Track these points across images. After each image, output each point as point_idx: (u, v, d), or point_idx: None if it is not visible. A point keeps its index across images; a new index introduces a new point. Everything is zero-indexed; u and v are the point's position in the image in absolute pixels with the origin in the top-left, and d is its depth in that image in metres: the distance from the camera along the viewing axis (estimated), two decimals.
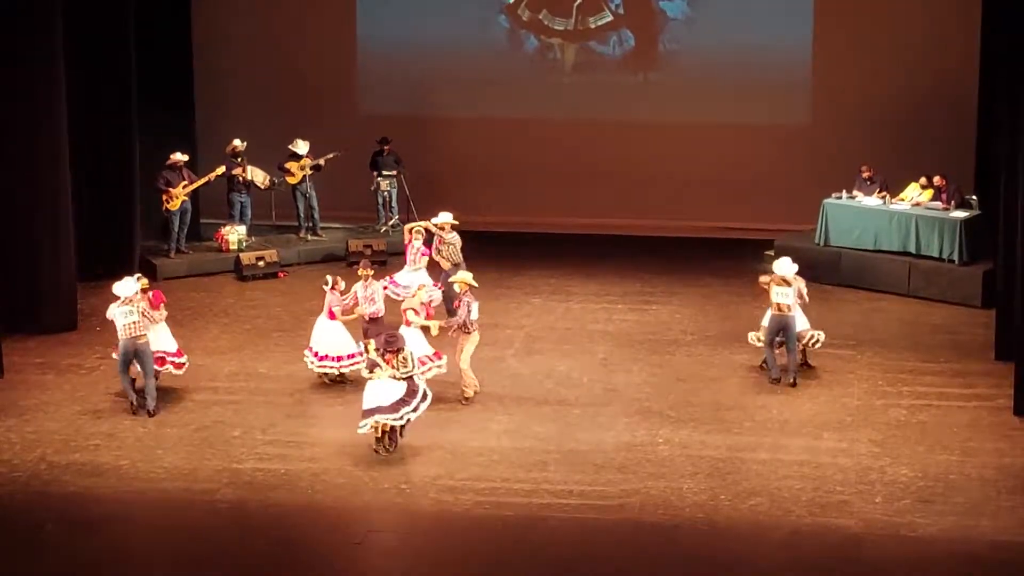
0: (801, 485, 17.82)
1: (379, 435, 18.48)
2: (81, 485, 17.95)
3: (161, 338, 20.18)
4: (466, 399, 20.19)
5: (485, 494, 17.63)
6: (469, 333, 20.17)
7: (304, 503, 17.52)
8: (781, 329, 20.72)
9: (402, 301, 21.37)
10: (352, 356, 20.61)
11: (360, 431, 18.45)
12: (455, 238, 23.13)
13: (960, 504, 17.35)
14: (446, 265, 22.91)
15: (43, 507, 17.45)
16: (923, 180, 25.36)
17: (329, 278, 20.99)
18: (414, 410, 18.51)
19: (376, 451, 18.49)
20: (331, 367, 20.66)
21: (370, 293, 20.84)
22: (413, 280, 22.71)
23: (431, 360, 20.31)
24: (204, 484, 17.95)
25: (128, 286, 19.73)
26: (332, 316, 20.68)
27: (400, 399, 18.41)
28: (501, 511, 17.25)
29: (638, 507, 17.36)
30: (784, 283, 20.68)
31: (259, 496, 17.68)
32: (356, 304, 20.77)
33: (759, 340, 21.06)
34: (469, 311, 20.06)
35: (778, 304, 20.62)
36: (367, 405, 18.42)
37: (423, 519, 17.28)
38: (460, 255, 23.08)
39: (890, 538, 16.59)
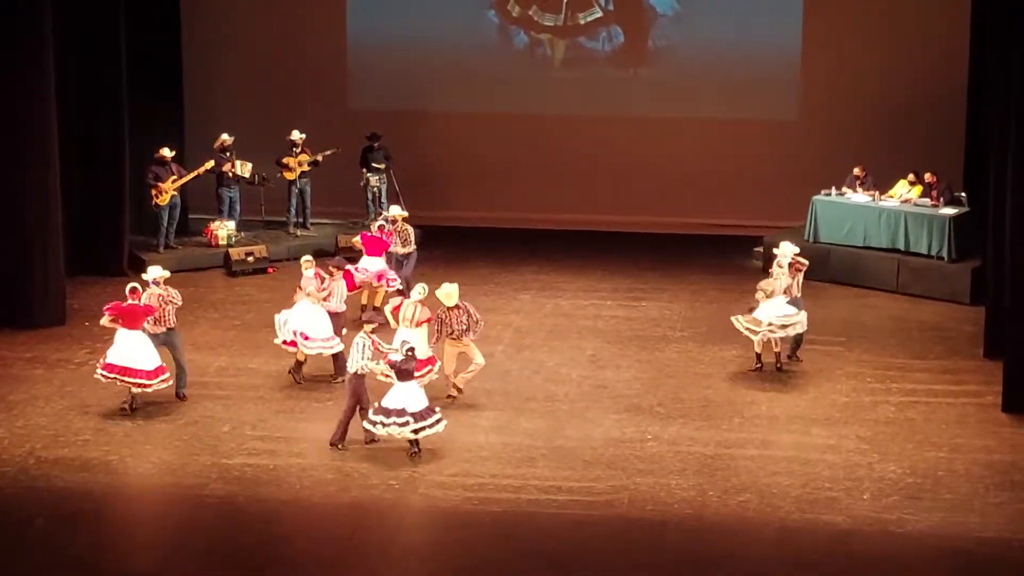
0: (789, 481, 17.85)
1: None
2: (70, 480, 17.93)
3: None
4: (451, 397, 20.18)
5: (474, 490, 17.64)
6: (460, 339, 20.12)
7: (293, 499, 17.52)
8: None
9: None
10: (328, 339, 20.70)
11: (379, 432, 18.45)
12: (408, 228, 23.75)
13: (948, 500, 17.39)
14: (400, 250, 23.58)
15: (32, 502, 17.43)
16: (911, 176, 25.39)
17: (303, 261, 21.15)
18: (434, 423, 18.55)
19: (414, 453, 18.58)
20: (318, 348, 20.68)
21: (330, 289, 20.84)
22: (374, 265, 23.19)
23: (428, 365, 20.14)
24: (193, 479, 17.95)
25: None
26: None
27: (428, 407, 18.48)
28: (489, 507, 17.26)
29: (626, 503, 17.38)
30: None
31: (248, 491, 17.68)
32: (327, 297, 20.83)
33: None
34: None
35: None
36: (394, 405, 18.38)
37: (411, 515, 17.29)
38: (412, 242, 23.76)
39: (878, 534, 16.63)
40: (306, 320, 20.68)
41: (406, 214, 23.93)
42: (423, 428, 18.38)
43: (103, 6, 24.95)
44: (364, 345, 18.64)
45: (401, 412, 18.26)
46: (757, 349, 21.05)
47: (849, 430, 19.34)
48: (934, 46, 27.19)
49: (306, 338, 20.64)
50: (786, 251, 21.25)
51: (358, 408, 18.68)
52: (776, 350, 21.07)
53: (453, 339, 20.03)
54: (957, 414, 19.86)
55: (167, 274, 20.27)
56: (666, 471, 18.16)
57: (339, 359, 20.54)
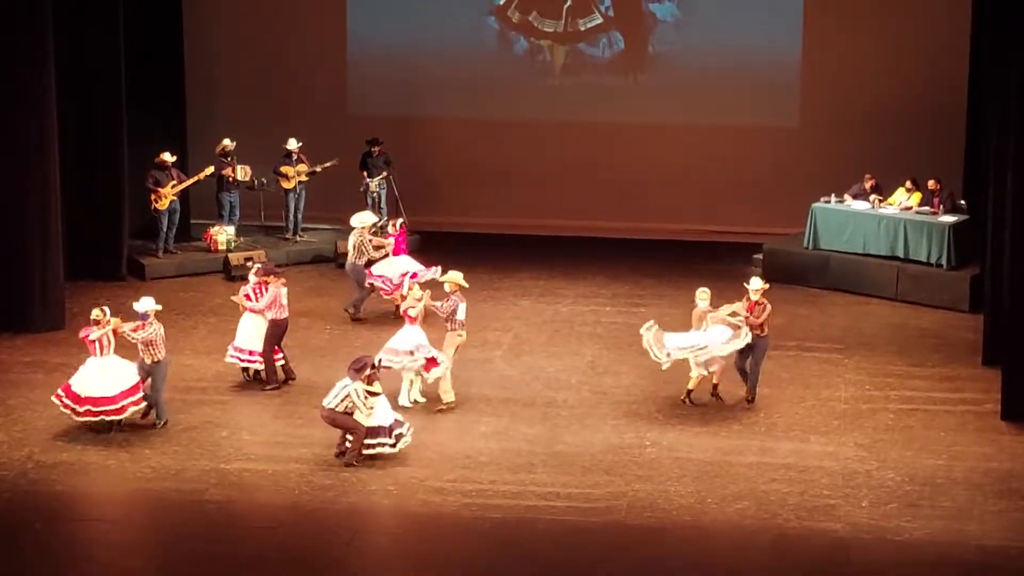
0: (788, 488, 17.84)
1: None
2: (68, 484, 17.94)
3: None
4: (444, 407, 20.05)
5: (472, 496, 17.64)
6: (455, 331, 20.25)
7: (291, 503, 17.51)
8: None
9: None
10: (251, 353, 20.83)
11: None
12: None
13: (947, 508, 17.39)
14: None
15: (31, 506, 17.43)
16: (908, 183, 25.40)
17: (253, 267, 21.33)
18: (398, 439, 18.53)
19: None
20: (239, 358, 20.83)
21: (270, 295, 20.81)
22: (394, 268, 23.58)
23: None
24: (191, 484, 17.94)
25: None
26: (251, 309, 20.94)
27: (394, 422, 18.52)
28: (488, 513, 17.25)
29: (625, 509, 17.38)
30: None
31: (246, 496, 17.69)
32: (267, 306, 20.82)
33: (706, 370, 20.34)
34: (455, 311, 20.16)
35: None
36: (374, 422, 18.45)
37: (410, 520, 17.28)
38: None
39: (876, 542, 16.62)
40: (240, 329, 20.85)
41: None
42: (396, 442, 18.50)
43: (104, 10, 24.96)
44: (358, 395, 18.34)
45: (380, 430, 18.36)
46: (689, 385, 20.39)
47: (848, 437, 19.33)
48: (934, 53, 27.21)
49: (235, 348, 20.86)
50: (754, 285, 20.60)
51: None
52: (714, 381, 20.48)
53: (454, 330, 20.26)
54: (956, 422, 19.86)
55: (158, 307, 19.52)
56: (665, 478, 18.16)
57: (273, 370, 20.76)
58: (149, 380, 19.43)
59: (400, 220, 24.93)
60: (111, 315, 19.30)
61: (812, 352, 22.11)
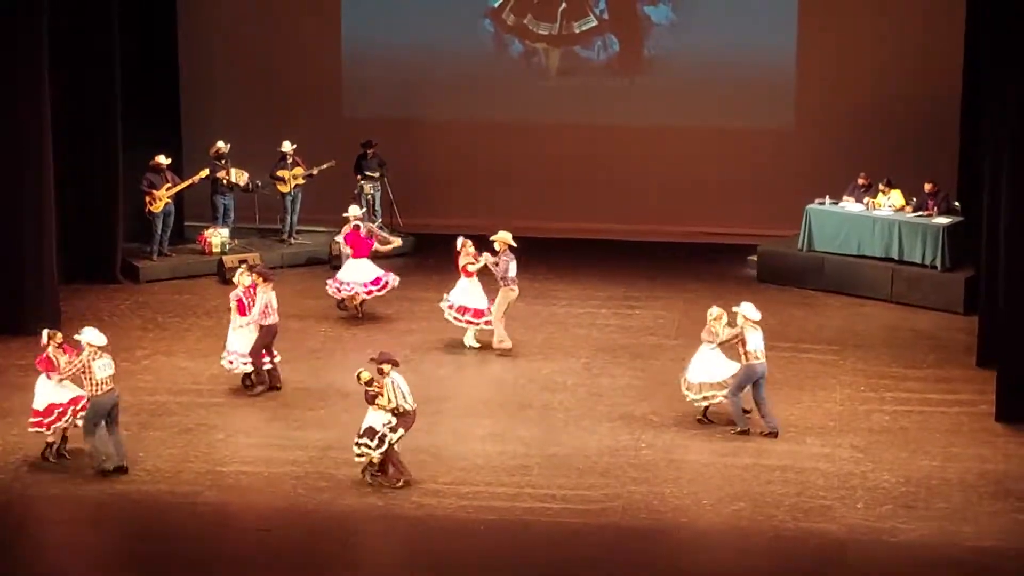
0: (784, 490, 17.84)
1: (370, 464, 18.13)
2: (64, 488, 17.91)
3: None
4: (502, 349, 22.11)
5: (468, 498, 17.63)
6: (508, 287, 22.13)
7: (287, 506, 17.50)
8: (759, 378, 19.55)
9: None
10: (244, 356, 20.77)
11: (356, 459, 18.09)
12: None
13: (942, 509, 17.40)
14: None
15: (26, 509, 17.40)
16: (882, 185, 25.40)
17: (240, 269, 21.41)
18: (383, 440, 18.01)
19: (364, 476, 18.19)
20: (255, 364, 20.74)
21: (261, 302, 20.74)
22: (358, 271, 23.74)
23: (486, 313, 22.33)
24: (187, 486, 17.93)
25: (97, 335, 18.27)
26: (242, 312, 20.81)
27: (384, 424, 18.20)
28: (484, 515, 17.25)
29: (620, 511, 17.37)
30: (756, 327, 19.57)
31: (242, 499, 17.68)
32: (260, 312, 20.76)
33: (703, 396, 19.78)
34: (507, 269, 22.07)
35: (756, 352, 19.47)
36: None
37: (405, 523, 17.26)
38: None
39: (872, 543, 16.63)
40: (239, 336, 20.79)
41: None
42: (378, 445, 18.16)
43: (99, 13, 24.95)
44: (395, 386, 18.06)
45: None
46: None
47: (843, 439, 19.34)
48: (929, 55, 27.22)
49: (240, 354, 20.80)
50: (745, 311, 19.66)
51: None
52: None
53: (507, 286, 22.28)
54: (951, 423, 19.87)
55: (103, 340, 18.23)
56: (660, 479, 18.16)
57: (260, 373, 20.67)
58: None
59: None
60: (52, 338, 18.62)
61: (807, 354, 22.12)
